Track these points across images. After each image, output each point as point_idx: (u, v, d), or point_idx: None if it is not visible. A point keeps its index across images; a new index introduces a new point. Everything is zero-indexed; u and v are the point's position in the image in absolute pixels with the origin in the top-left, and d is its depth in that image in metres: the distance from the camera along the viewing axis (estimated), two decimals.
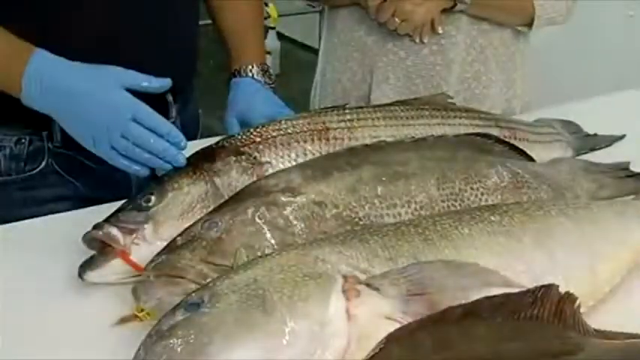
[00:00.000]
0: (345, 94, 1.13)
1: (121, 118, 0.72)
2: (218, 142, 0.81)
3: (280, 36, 3.24)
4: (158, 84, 0.78)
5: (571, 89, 1.33)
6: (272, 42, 3.30)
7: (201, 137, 1.04)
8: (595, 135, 1.03)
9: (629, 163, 0.91)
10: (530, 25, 1.10)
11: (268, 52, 3.29)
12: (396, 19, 0.99)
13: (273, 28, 3.27)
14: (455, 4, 1.03)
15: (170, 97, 0.93)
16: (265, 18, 3.36)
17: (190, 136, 1.01)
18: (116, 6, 0.86)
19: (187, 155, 0.77)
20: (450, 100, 0.94)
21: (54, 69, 0.75)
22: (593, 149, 1.00)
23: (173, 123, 0.95)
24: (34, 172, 0.89)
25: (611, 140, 1.03)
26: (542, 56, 1.40)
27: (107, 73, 0.76)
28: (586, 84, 1.42)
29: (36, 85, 0.74)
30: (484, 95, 1.10)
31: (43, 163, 0.89)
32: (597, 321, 0.59)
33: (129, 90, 0.75)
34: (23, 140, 0.88)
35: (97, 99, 0.74)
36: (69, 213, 0.85)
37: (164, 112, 0.95)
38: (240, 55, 0.95)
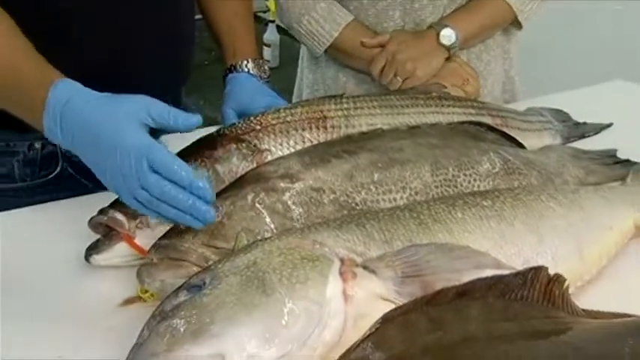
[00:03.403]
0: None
1: (136, 167, 0.59)
2: (219, 131, 0.80)
3: (280, 29, 3.21)
4: (186, 123, 0.63)
5: (561, 80, 1.33)
6: (271, 35, 3.27)
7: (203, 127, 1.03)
8: (583, 123, 1.03)
9: (616, 150, 0.91)
10: (517, 22, 1.10)
11: (268, 45, 3.28)
12: (399, 79, 1.00)
13: (272, 22, 3.24)
14: (449, 56, 1.03)
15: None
16: (265, 11, 3.36)
17: None
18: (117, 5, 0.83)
19: (188, 144, 0.76)
20: (444, 90, 0.93)
21: (73, 101, 0.63)
22: (581, 137, 1.00)
23: None
24: (50, 177, 0.87)
25: (598, 128, 1.03)
26: (535, 50, 1.39)
27: (122, 106, 0.62)
28: (576, 75, 1.41)
29: (55, 120, 0.63)
30: (483, 95, 1.09)
31: (58, 168, 0.86)
32: (585, 301, 0.59)
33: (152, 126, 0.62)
34: (36, 145, 0.86)
35: (109, 142, 0.60)
36: (75, 199, 0.84)
37: None
38: (235, 51, 0.94)
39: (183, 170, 0.60)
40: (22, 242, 0.76)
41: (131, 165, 0.60)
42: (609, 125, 1.03)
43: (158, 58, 0.89)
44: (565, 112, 1.03)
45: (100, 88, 0.68)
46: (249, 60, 0.94)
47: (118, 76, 0.84)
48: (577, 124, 1.02)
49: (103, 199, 0.73)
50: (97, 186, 0.87)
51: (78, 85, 0.65)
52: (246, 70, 0.93)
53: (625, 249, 0.73)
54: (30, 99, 0.65)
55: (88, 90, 0.64)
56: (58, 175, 0.87)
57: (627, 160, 0.89)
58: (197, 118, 0.64)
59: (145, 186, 0.60)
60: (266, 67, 0.96)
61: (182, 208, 0.60)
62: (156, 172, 0.60)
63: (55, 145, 0.85)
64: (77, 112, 0.62)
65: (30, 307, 0.67)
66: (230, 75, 0.94)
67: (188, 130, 0.65)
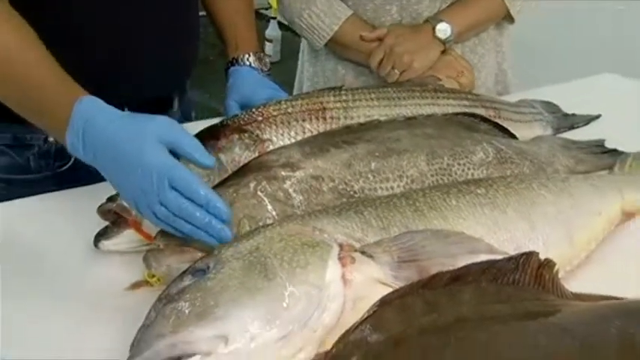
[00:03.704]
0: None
1: (157, 184, 0.59)
2: (222, 122, 0.79)
3: (281, 25, 3.19)
4: (207, 161, 0.63)
5: (551, 74, 1.32)
6: (273, 31, 3.26)
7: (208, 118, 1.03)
8: (573, 115, 1.02)
9: (604, 140, 0.91)
10: (509, 16, 1.09)
11: (270, 40, 3.26)
12: (396, 71, 0.99)
13: (274, 18, 3.23)
14: (445, 50, 1.02)
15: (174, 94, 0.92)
16: (267, 8, 3.34)
17: (188, 118, 1.00)
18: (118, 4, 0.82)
19: (193, 134, 0.76)
20: (439, 82, 0.93)
21: (96, 119, 0.62)
22: (570, 128, 0.99)
23: (175, 113, 0.95)
24: (63, 168, 0.86)
25: (587, 119, 1.02)
26: (528, 45, 1.39)
27: (146, 126, 0.61)
28: (566, 69, 1.40)
29: (78, 137, 0.63)
30: (477, 87, 1.08)
31: (71, 161, 0.85)
32: (574, 285, 0.59)
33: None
34: (50, 139, 0.85)
35: (132, 160, 0.60)
36: (85, 187, 0.84)
37: (168, 105, 0.95)
38: (237, 45, 0.93)
39: (202, 190, 0.60)
40: (35, 228, 0.76)
41: (152, 182, 0.59)
42: (597, 117, 1.02)
43: (160, 57, 0.88)
44: (555, 104, 1.03)
45: (102, 86, 0.67)
46: (251, 53, 0.93)
47: (119, 74, 0.84)
48: (567, 115, 1.02)
49: (112, 188, 0.73)
50: None
51: (101, 103, 0.65)
52: (247, 63, 0.93)
53: (612, 234, 0.72)
54: (54, 114, 0.65)
55: (110, 108, 0.64)
56: (71, 167, 0.87)
57: (614, 150, 0.88)
58: (212, 161, 0.64)
59: (163, 202, 0.60)
60: (267, 61, 0.95)
61: (198, 225, 0.60)
62: (175, 189, 0.60)
63: None
64: (100, 129, 0.62)
65: (42, 289, 0.66)
66: (232, 68, 0.93)
67: (204, 165, 0.64)
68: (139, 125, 0.62)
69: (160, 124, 0.62)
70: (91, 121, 0.63)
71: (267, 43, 3.19)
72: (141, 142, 0.61)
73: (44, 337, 0.61)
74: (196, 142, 0.64)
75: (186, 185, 0.60)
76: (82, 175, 0.81)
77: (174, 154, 0.62)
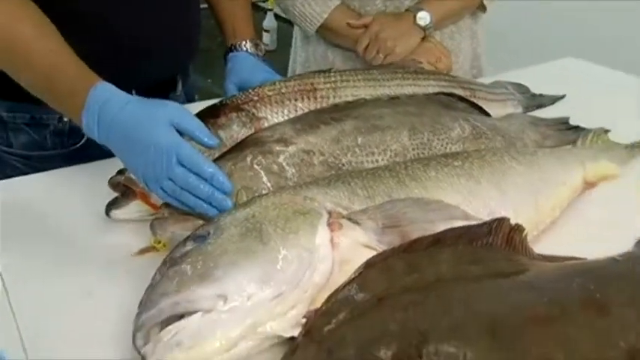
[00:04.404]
0: None
1: (167, 161, 0.59)
2: (221, 101, 0.77)
3: (277, 17, 3.15)
4: (211, 142, 0.62)
5: (521, 58, 1.30)
6: (270, 22, 3.22)
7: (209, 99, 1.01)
8: (540, 95, 1.01)
9: (568, 118, 0.90)
10: (482, 6, 1.07)
11: (267, 31, 3.21)
12: (380, 55, 0.98)
13: (271, 10, 3.19)
14: (425, 36, 1.01)
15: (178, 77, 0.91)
16: (264, 1, 3.28)
17: (190, 99, 0.98)
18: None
19: (195, 113, 0.74)
20: (420, 65, 0.91)
21: (110, 103, 0.62)
22: (538, 107, 0.98)
23: (178, 96, 0.94)
24: (77, 145, 0.84)
25: (553, 99, 1.01)
26: (500, 32, 1.37)
27: (157, 111, 0.61)
28: (534, 54, 1.39)
29: (93, 119, 0.62)
30: (454, 71, 1.06)
31: (85, 139, 0.83)
32: (540, 247, 0.58)
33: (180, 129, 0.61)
34: (64, 119, 0.83)
35: (143, 138, 0.60)
36: (96, 162, 0.82)
37: (172, 87, 0.93)
38: (235, 33, 0.92)
39: (207, 165, 0.60)
40: (52, 200, 0.75)
41: (162, 159, 0.59)
42: (562, 97, 1.01)
43: (165, 44, 0.86)
44: (525, 86, 1.01)
45: (112, 72, 0.66)
46: (248, 40, 0.91)
47: (128, 60, 0.82)
48: (535, 95, 1.00)
49: (120, 164, 0.71)
50: None
51: (113, 88, 0.64)
52: (244, 49, 0.91)
53: (575, 202, 0.72)
54: (71, 99, 0.64)
55: (122, 93, 0.64)
56: (84, 145, 0.85)
57: (577, 127, 0.87)
58: (216, 142, 0.64)
59: (171, 177, 0.60)
60: (262, 47, 0.94)
61: (202, 197, 0.60)
62: (182, 165, 0.59)
63: None
64: (114, 113, 0.62)
65: (58, 255, 0.65)
66: (231, 54, 0.92)
67: (209, 146, 0.64)
68: (150, 109, 0.62)
69: (170, 109, 0.62)
70: (106, 105, 0.62)
71: (264, 33, 3.16)
72: (152, 123, 0.61)
73: (60, 297, 0.60)
74: (202, 125, 0.63)
75: (193, 161, 0.60)
76: (93, 152, 0.80)
77: (182, 135, 0.62)
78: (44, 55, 0.66)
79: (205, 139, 0.62)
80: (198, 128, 0.62)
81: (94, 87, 0.63)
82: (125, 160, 0.63)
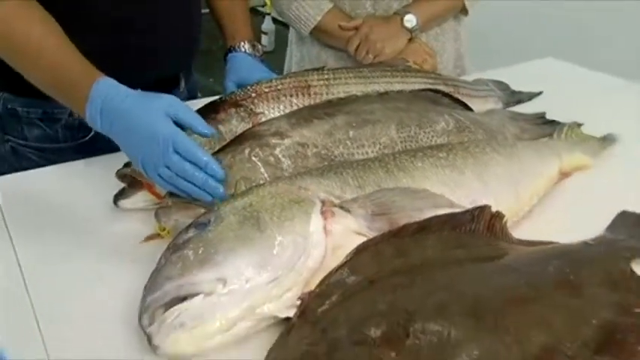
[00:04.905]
0: None
1: (164, 149, 0.59)
2: (221, 98, 0.76)
3: (274, 20, 3.13)
4: (206, 130, 0.62)
5: (502, 58, 1.29)
6: (268, 25, 3.19)
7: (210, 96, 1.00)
8: (519, 92, 1.00)
9: (544, 113, 0.89)
10: (464, 9, 1.07)
11: (265, 33, 3.18)
12: (370, 55, 0.97)
13: (269, 14, 3.17)
14: (412, 37, 1.00)
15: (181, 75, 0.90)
16: (263, 6, 3.25)
17: (193, 96, 0.97)
18: None
19: (196, 109, 0.73)
20: (407, 64, 0.90)
21: (112, 97, 0.62)
22: (517, 102, 0.97)
23: (182, 93, 0.92)
24: (86, 139, 0.83)
25: (531, 96, 1.00)
26: (482, 33, 1.36)
27: (155, 103, 0.61)
28: (514, 54, 1.37)
29: (96, 111, 0.62)
30: (439, 70, 1.05)
31: (93, 132, 0.82)
32: (519, 232, 0.58)
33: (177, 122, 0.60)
34: (75, 114, 0.82)
35: (142, 128, 0.60)
36: (105, 156, 0.81)
37: (175, 84, 0.91)
38: (234, 35, 0.91)
39: (201, 153, 0.59)
40: (63, 191, 0.74)
41: (159, 147, 0.59)
42: (540, 93, 1.01)
43: (169, 42, 0.85)
44: (505, 83, 1.00)
45: (116, 69, 0.65)
46: (246, 42, 0.91)
47: (132, 58, 0.81)
48: (514, 92, 1.00)
49: (127, 157, 0.70)
50: None
51: (115, 83, 0.63)
52: (243, 50, 0.90)
53: (551, 191, 0.71)
54: (75, 93, 0.64)
55: (124, 87, 0.63)
56: (93, 138, 0.84)
57: (553, 121, 0.87)
58: (211, 131, 0.63)
59: (168, 164, 0.59)
60: (260, 48, 0.93)
61: (197, 183, 0.59)
62: (178, 153, 0.59)
63: None
64: (116, 105, 0.62)
65: (69, 242, 0.64)
66: (230, 54, 0.91)
67: (207, 136, 0.64)
68: (149, 101, 0.61)
69: (166, 101, 0.62)
70: (108, 98, 0.62)
71: (263, 35, 3.13)
72: (150, 114, 0.60)
73: (72, 281, 0.59)
74: (197, 115, 0.63)
75: (188, 150, 0.59)
76: (101, 145, 0.79)
77: (179, 126, 0.61)
78: (52, 54, 0.65)
79: (200, 128, 0.62)
80: (194, 118, 0.62)
81: (97, 82, 0.63)
82: (126, 149, 0.63)
